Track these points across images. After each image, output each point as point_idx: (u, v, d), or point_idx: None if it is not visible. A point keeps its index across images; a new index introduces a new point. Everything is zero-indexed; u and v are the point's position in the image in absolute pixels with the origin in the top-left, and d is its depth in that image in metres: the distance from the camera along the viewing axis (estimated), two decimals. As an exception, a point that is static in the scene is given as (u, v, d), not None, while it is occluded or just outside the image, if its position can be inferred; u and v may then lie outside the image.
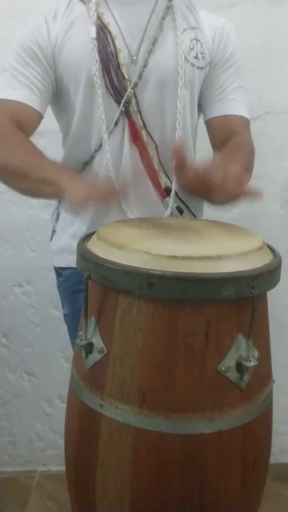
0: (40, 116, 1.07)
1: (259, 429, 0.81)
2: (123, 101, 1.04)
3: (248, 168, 1.07)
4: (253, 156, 1.12)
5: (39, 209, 1.71)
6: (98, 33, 1.03)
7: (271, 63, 1.58)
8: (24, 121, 1.04)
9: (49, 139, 1.20)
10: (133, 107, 1.06)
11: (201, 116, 1.19)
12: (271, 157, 1.66)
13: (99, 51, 1.02)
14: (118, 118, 1.06)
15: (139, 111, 1.06)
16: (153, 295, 0.69)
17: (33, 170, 0.94)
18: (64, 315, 1.24)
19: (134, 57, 1.04)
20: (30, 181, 0.95)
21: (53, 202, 1.24)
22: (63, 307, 1.24)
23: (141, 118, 1.07)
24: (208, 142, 1.19)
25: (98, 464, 0.78)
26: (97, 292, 0.76)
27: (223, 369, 0.72)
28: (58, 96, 1.10)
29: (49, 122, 1.12)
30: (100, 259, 0.74)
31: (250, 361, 0.72)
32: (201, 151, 1.20)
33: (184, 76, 1.05)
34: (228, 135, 1.12)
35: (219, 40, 1.11)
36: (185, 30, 1.07)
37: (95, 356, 0.77)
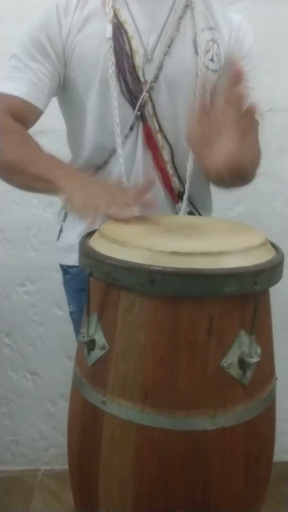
0: (40, 112, 1.04)
1: (262, 426, 0.81)
2: (138, 104, 1.02)
3: (253, 156, 1.04)
4: (259, 155, 1.10)
5: (41, 208, 1.71)
6: (114, 32, 0.99)
7: (274, 60, 1.58)
8: (23, 117, 1.01)
9: (49, 138, 1.20)
10: (148, 111, 1.03)
11: None
12: (273, 154, 1.66)
13: (115, 52, 0.98)
14: (134, 122, 1.03)
15: (155, 115, 1.04)
16: (155, 292, 0.69)
17: (29, 166, 0.93)
18: (71, 313, 1.24)
19: (149, 57, 1.01)
20: (26, 177, 0.93)
21: (57, 202, 1.23)
22: (69, 305, 1.24)
23: (157, 121, 1.04)
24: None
25: (101, 461, 0.78)
26: (99, 289, 0.76)
27: (225, 365, 0.72)
28: (67, 94, 1.07)
29: (50, 120, 1.11)
30: (102, 256, 0.74)
31: (252, 357, 0.72)
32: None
33: (202, 77, 1.03)
34: None
35: (235, 40, 1.08)
36: (202, 30, 1.04)
37: (97, 353, 0.77)
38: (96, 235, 0.83)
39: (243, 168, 0.94)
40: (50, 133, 1.18)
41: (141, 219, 0.96)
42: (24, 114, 1.01)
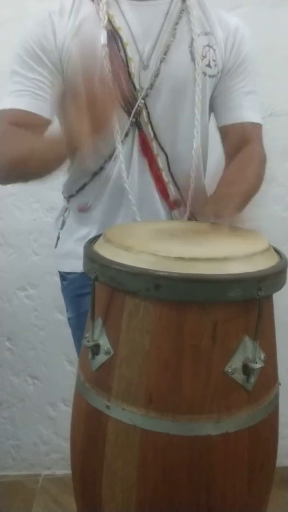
0: (47, 121, 1.02)
1: (266, 432, 0.81)
2: (133, 111, 1.01)
3: (257, 182, 1.08)
4: (264, 163, 1.12)
5: (42, 212, 1.72)
6: (108, 39, 0.97)
7: (274, 65, 1.59)
8: (30, 128, 0.99)
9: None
10: (143, 118, 1.02)
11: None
12: (274, 159, 1.64)
13: (110, 59, 0.97)
14: (129, 129, 1.02)
15: (150, 122, 1.03)
16: (160, 296, 0.69)
17: (34, 151, 0.92)
18: (68, 319, 1.24)
19: (145, 63, 1.00)
20: (35, 163, 0.93)
21: (57, 206, 1.23)
22: (67, 311, 1.24)
23: (152, 129, 1.04)
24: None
25: (105, 466, 0.78)
26: (104, 294, 0.76)
27: (229, 370, 0.72)
28: None
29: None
30: (107, 260, 0.74)
31: (256, 362, 0.72)
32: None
33: (201, 83, 1.03)
34: (242, 142, 1.11)
35: (232, 44, 1.07)
36: (198, 35, 1.03)
37: (101, 358, 0.77)
38: (101, 240, 0.83)
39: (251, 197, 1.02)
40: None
41: (146, 224, 0.97)
42: (32, 126, 1.00)
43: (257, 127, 1.14)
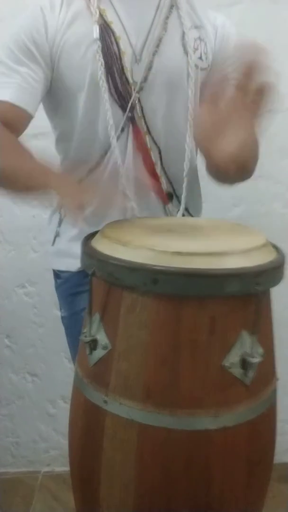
0: (30, 117, 1.01)
1: (264, 426, 0.81)
2: (128, 106, 1.01)
3: (256, 147, 1.01)
4: (258, 148, 1.08)
5: (42, 209, 1.71)
6: (101, 33, 0.97)
7: (273, 61, 1.58)
8: (13, 122, 0.98)
9: (51, 140, 1.19)
10: (137, 113, 1.03)
11: None
12: (273, 155, 1.66)
13: (103, 53, 0.97)
14: (124, 124, 1.02)
15: (144, 116, 1.03)
16: (158, 291, 0.69)
17: (20, 175, 0.90)
18: (62, 317, 1.22)
19: (138, 57, 1.00)
20: (19, 187, 0.91)
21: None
22: (60, 309, 1.23)
23: (145, 123, 1.04)
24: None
25: (103, 461, 0.78)
26: (102, 289, 0.76)
27: (227, 365, 0.72)
28: (55, 97, 1.05)
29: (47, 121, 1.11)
30: (105, 255, 0.74)
31: (254, 357, 0.72)
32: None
33: (194, 76, 1.03)
34: None
35: (221, 39, 1.09)
36: (189, 29, 1.04)
37: (99, 353, 0.77)
38: (98, 235, 0.83)
39: (249, 158, 0.94)
40: (50, 134, 1.17)
41: (143, 220, 0.97)
42: (14, 119, 0.98)
43: None
